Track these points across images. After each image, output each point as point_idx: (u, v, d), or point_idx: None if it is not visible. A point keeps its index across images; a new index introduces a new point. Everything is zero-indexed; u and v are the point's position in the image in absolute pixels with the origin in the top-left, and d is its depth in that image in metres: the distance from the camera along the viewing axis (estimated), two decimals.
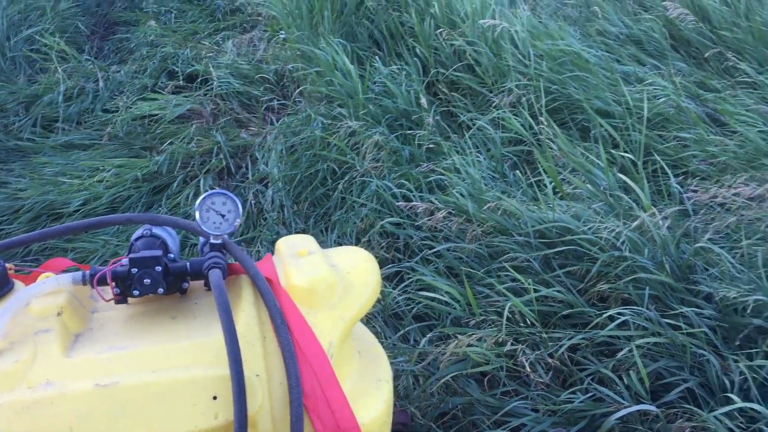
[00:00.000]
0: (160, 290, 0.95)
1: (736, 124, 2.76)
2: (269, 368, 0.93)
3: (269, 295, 0.97)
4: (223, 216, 1.01)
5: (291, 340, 0.92)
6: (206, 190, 2.82)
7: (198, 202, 0.99)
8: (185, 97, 3.58)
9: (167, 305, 1.02)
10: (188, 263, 0.99)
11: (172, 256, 1.01)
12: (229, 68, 3.75)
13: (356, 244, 2.32)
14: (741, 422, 1.53)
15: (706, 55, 3.34)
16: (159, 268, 0.95)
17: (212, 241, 1.01)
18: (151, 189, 2.91)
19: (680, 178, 2.40)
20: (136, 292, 0.94)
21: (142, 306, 1.02)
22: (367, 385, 1.05)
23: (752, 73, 3.20)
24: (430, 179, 2.39)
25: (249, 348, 0.92)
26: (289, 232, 2.62)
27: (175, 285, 1.00)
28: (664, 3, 3.42)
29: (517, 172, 2.38)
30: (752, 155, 2.62)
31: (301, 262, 1.07)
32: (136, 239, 1.03)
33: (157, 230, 1.06)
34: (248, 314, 0.97)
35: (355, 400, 0.97)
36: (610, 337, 1.75)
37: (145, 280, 0.94)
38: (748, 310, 1.71)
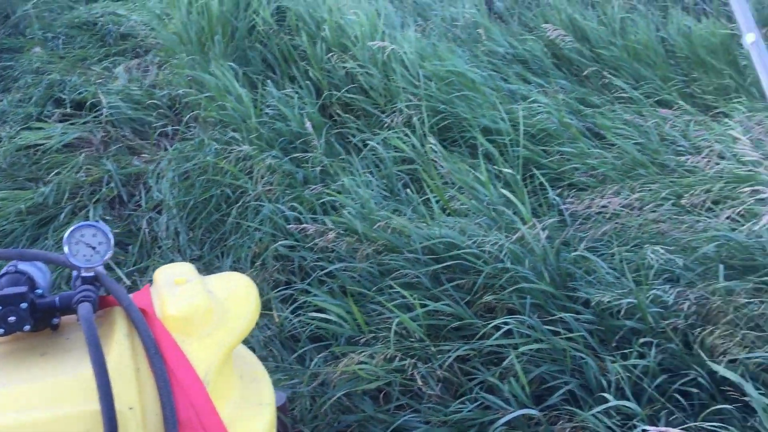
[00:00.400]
0: (27, 327, 0.92)
1: (613, 138, 2.92)
2: (144, 400, 0.91)
3: (143, 325, 0.96)
4: (93, 248, 1.00)
5: (165, 370, 0.92)
6: (96, 220, 2.74)
7: (66, 235, 0.97)
8: (73, 125, 3.48)
9: (37, 342, 1.00)
10: (57, 298, 0.97)
11: (40, 291, 0.98)
12: (120, 94, 3.67)
13: (251, 268, 2.32)
14: (617, 420, 1.61)
15: (586, 72, 3.53)
16: (24, 305, 0.92)
17: (83, 274, 0.99)
18: (37, 222, 2.80)
19: (560, 190, 2.53)
20: (0, 331, 0.91)
21: (10, 345, 0.98)
22: (248, 410, 1.05)
23: (628, 89, 3.41)
24: (323, 200, 2.42)
25: (122, 380, 0.91)
26: (184, 259, 2.59)
27: (44, 321, 0.98)
28: (544, 25, 3.59)
29: (409, 190, 2.44)
30: (629, 166, 2.79)
31: (177, 290, 1.07)
32: (0, 276, 1.01)
33: (23, 266, 1.03)
34: (121, 346, 0.95)
35: (234, 425, 0.97)
36: (498, 346, 1.81)
37: (9, 318, 0.91)
38: (622, 313, 1.82)
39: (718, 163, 2.58)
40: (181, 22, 3.56)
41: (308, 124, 2.60)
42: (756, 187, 2.02)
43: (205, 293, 1.05)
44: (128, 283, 2.49)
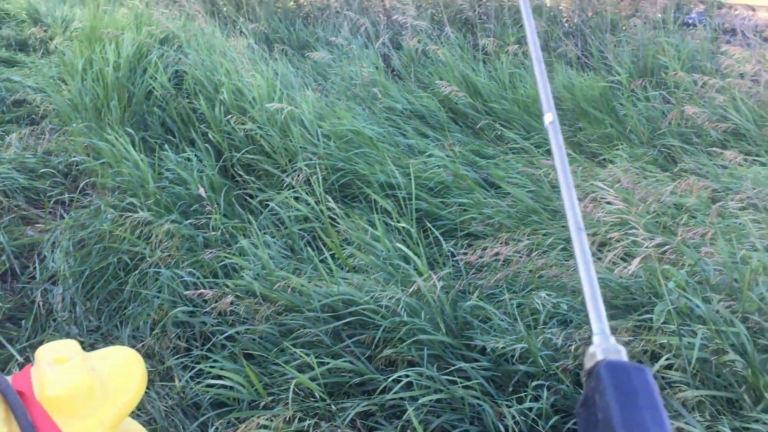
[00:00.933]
0: None
1: (507, 187, 3.05)
2: None
3: (20, 410, 0.94)
4: None
5: None
6: None
7: None
8: None
9: None
10: None
11: None
12: (12, 163, 3.55)
13: (150, 336, 2.27)
14: None
15: (480, 125, 3.69)
16: None
17: None
18: None
19: (457, 240, 2.61)
20: None
21: None
22: None
23: (519, 140, 3.58)
24: (223, 263, 2.41)
25: None
26: (81, 332, 2.51)
27: None
28: (438, 82, 3.74)
29: (309, 248, 2.47)
30: (523, 213, 2.92)
31: (58, 370, 1.05)
32: None
33: None
34: None
35: None
36: (399, 399, 1.84)
37: None
38: (516, 358, 1.88)
39: (602, 208, 2.74)
40: (77, 89, 3.51)
41: (201, 190, 2.60)
42: (631, 230, 2.16)
43: (87, 371, 1.04)
44: (21, 359, 2.38)
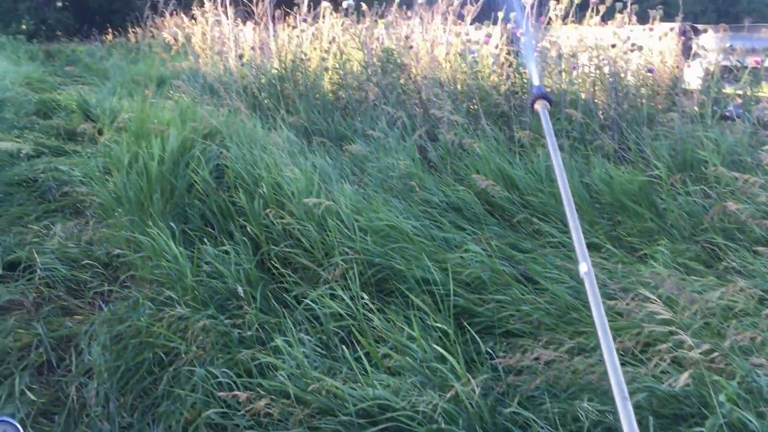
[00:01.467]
0: None
1: (546, 282, 3.00)
2: None
3: None
4: None
5: None
6: (20, 390, 2.64)
7: None
8: (5, 286, 3.40)
9: None
10: None
11: None
12: (55, 253, 3.63)
13: None
14: None
15: (517, 219, 3.68)
16: None
17: None
18: None
19: (495, 339, 2.55)
20: None
21: None
22: None
23: (557, 234, 3.55)
24: (258, 361, 2.39)
25: None
26: (113, 428, 2.48)
27: None
28: (474, 176, 3.76)
29: (344, 347, 2.43)
30: (562, 310, 2.85)
31: None
32: None
33: None
34: None
35: None
36: None
37: None
38: None
39: (645, 306, 2.67)
40: (121, 182, 3.61)
41: (240, 290, 2.61)
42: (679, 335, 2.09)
43: None
44: None
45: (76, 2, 24.26)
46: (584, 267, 0.70)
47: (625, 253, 3.37)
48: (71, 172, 5.20)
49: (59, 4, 23.37)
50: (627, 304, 2.48)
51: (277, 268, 3.16)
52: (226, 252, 3.11)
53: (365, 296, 2.53)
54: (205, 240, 3.23)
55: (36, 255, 3.52)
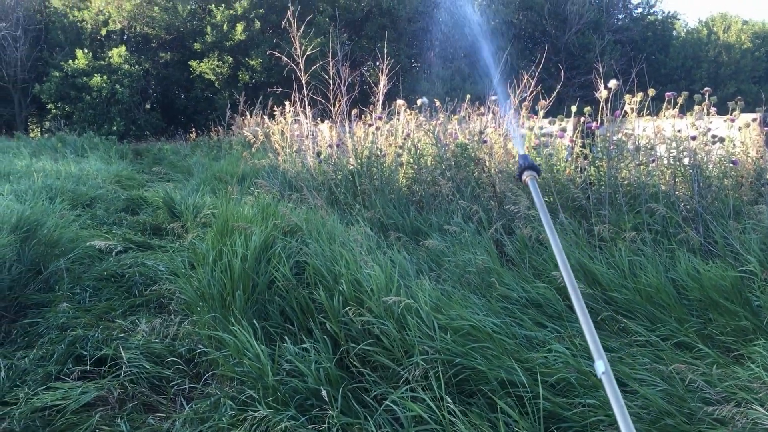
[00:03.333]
0: None
1: (635, 384, 2.87)
2: None
3: None
4: None
5: None
6: None
7: None
8: (93, 381, 3.48)
9: None
10: None
11: None
12: (140, 348, 3.71)
13: None
14: None
15: (600, 317, 3.56)
16: None
17: None
18: None
19: None
20: None
21: None
22: None
23: (643, 332, 3.41)
24: None
25: None
26: None
27: None
28: (553, 273, 3.69)
29: None
30: (656, 415, 2.71)
31: None
32: None
33: None
34: None
35: None
36: None
37: None
38: None
39: (746, 415, 2.51)
40: (206, 279, 3.71)
41: (324, 393, 2.59)
42: None
43: None
44: None
45: (163, 104, 25.93)
46: (601, 366, 0.67)
47: (719, 354, 3.20)
48: (156, 267, 5.39)
49: (148, 106, 24.97)
50: (728, 412, 2.33)
51: (356, 366, 3.13)
52: (306, 350, 3.12)
53: (448, 398, 2.47)
54: (285, 337, 3.25)
55: (122, 350, 3.61)
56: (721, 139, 4.90)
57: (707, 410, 2.63)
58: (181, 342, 3.79)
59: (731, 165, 4.83)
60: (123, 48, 22.88)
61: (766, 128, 5.08)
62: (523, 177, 1.84)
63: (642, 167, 5.15)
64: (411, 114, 7.23)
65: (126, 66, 22.54)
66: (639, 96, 5.20)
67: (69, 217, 6.81)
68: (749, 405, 2.58)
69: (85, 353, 3.70)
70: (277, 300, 3.65)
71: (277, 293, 3.70)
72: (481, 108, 7.80)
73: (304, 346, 3.16)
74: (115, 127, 22.05)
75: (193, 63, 23.77)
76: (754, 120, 5.15)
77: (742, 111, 5.35)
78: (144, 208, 8.69)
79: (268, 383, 2.84)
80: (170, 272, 5.09)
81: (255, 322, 3.35)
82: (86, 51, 22.41)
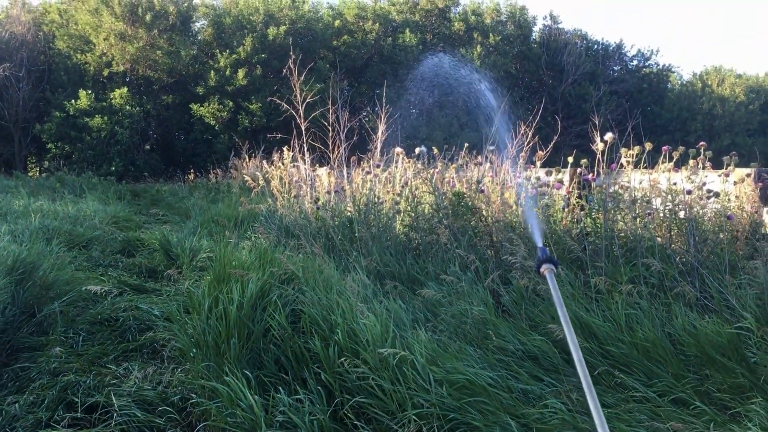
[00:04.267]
0: None
1: None
2: None
3: None
4: None
5: None
6: None
7: None
8: (83, 429, 3.43)
9: None
10: None
11: None
12: (132, 396, 3.67)
13: None
14: None
15: (597, 372, 3.54)
16: None
17: None
18: None
19: None
20: None
21: None
22: None
23: (640, 387, 3.39)
24: None
25: None
26: None
27: None
28: (549, 326, 3.68)
29: None
30: None
31: None
32: None
33: None
34: None
35: None
36: None
37: None
38: None
39: None
40: (201, 327, 3.69)
41: None
42: None
43: None
44: None
45: (163, 145, 26.11)
46: None
47: (716, 411, 3.17)
48: (151, 311, 5.36)
49: (147, 147, 25.13)
50: None
51: (351, 419, 3.10)
52: (300, 401, 3.09)
53: None
54: (280, 387, 3.22)
55: (113, 397, 3.57)
56: (717, 194, 4.94)
57: None
58: (174, 390, 3.75)
59: (726, 219, 4.87)
60: (125, 90, 23.13)
61: (760, 183, 5.13)
62: (542, 269, 1.88)
63: (638, 220, 5.18)
64: (409, 162, 7.29)
65: (127, 107, 22.76)
66: (636, 149, 5.26)
67: (65, 259, 6.79)
68: None
69: (77, 400, 3.66)
70: (273, 348, 3.63)
71: (272, 342, 3.68)
72: (479, 157, 7.87)
73: (299, 396, 3.13)
74: (113, 168, 22.15)
75: (194, 106, 24.01)
76: (749, 175, 5.21)
77: (737, 165, 5.41)
78: (140, 250, 8.68)
79: None
80: (165, 317, 5.06)
81: (249, 372, 3.32)
82: (89, 92, 22.65)
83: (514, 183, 6.62)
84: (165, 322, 4.92)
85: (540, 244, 1.98)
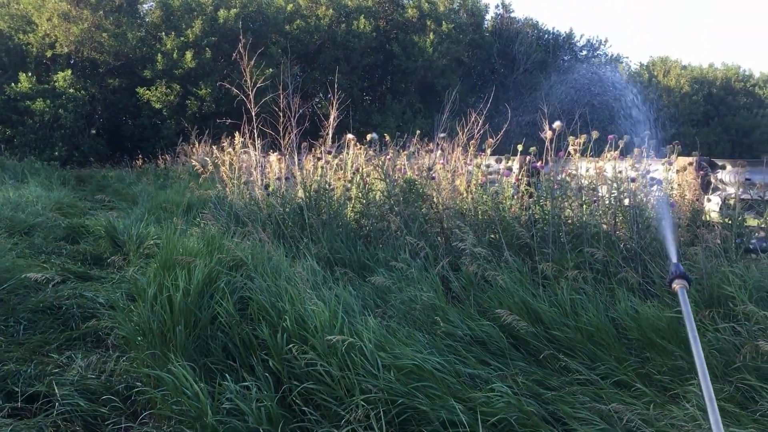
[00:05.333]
0: None
1: (575, 424, 2.90)
2: None
3: None
4: None
5: None
6: None
7: None
8: (23, 420, 3.34)
9: None
10: None
11: None
12: (75, 385, 3.59)
13: None
14: None
15: (542, 356, 3.60)
16: None
17: None
18: None
19: None
20: None
21: None
22: None
23: (584, 370, 3.46)
24: None
25: None
26: None
27: None
28: (497, 311, 3.73)
29: None
30: None
31: None
32: None
33: None
34: None
35: None
36: None
37: None
38: None
39: None
40: (146, 315, 3.62)
41: None
42: None
43: None
44: None
45: (109, 130, 25.44)
46: None
47: (656, 393, 3.27)
48: (96, 299, 5.24)
49: (93, 131, 24.46)
50: None
51: (299, 405, 3.09)
52: (248, 388, 3.06)
53: None
54: (227, 375, 3.19)
55: (56, 387, 3.48)
56: (660, 182, 5.07)
57: None
58: (118, 379, 3.67)
59: (669, 207, 4.99)
60: (69, 72, 22.43)
61: (701, 172, 5.28)
62: (673, 285, 1.87)
63: (584, 207, 5.28)
64: (360, 148, 7.27)
65: (71, 90, 22.07)
66: (582, 138, 5.35)
67: (5, 245, 6.58)
68: None
69: (17, 389, 3.56)
70: (220, 336, 3.58)
71: (220, 329, 3.63)
72: (431, 144, 7.90)
73: (246, 384, 3.10)
74: (57, 153, 21.51)
75: (141, 90, 23.45)
76: (690, 164, 5.35)
77: (680, 154, 5.55)
78: (85, 237, 8.46)
79: (207, 423, 2.77)
80: (109, 305, 4.95)
81: (195, 360, 3.28)
82: (30, 74, 21.89)
83: (464, 170, 6.67)
84: (109, 311, 4.81)
85: (675, 259, 1.97)
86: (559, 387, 3.34)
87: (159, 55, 23.43)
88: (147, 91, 23.42)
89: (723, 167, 5.30)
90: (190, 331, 3.57)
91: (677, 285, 1.86)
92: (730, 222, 4.57)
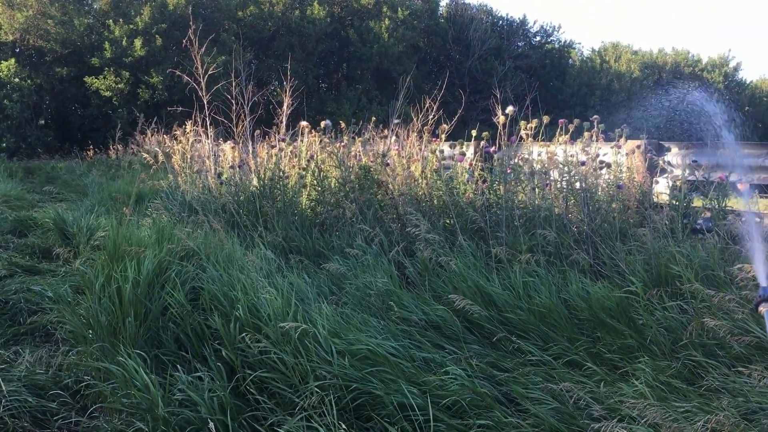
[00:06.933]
0: None
1: (528, 404, 2.94)
2: None
3: None
4: None
5: None
6: None
7: None
8: None
9: None
10: None
11: None
12: (22, 380, 3.49)
13: None
14: None
15: (496, 338, 3.64)
16: None
17: None
18: None
19: None
20: None
21: None
22: None
23: (536, 351, 3.51)
24: None
25: None
26: None
27: None
28: (451, 295, 3.75)
29: None
30: None
31: None
32: None
33: None
34: None
35: None
36: None
37: None
38: None
39: (630, 430, 2.62)
40: (94, 308, 3.55)
41: (211, 426, 2.51)
42: None
43: None
44: None
45: (57, 120, 24.77)
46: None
47: (607, 371, 3.33)
48: (44, 293, 5.11)
49: (41, 122, 23.79)
50: (613, 427, 2.43)
51: (253, 394, 3.06)
52: (200, 378, 3.02)
53: (343, 426, 2.45)
54: (179, 366, 3.14)
55: (2, 382, 3.39)
56: (608, 165, 5.15)
57: (594, 427, 2.72)
58: (67, 373, 3.59)
59: (617, 189, 5.09)
60: (13, 61, 21.74)
61: (648, 155, 5.38)
62: (760, 308, 1.88)
63: (537, 191, 5.34)
64: (315, 136, 7.22)
65: (16, 80, 21.41)
66: (534, 122, 5.40)
67: None
68: (633, 421, 2.69)
69: None
70: (172, 327, 3.53)
71: (171, 320, 3.58)
72: (386, 131, 7.89)
73: (198, 374, 3.06)
74: (4, 144, 20.87)
75: (89, 79, 22.85)
76: (638, 147, 5.45)
77: (630, 137, 5.65)
78: (33, 230, 8.23)
79: (158, 414, 2.73)
80: (57, 299, 4.83)
81: (145, 351, 3.22)
82: None
83: (420, 156, 6.68)
84: (57, 305, 4.70)
85: (764, 283, 1.99)
86: (512, 368, 3.38)
87: (107, 43, 22.86)
88: (96, 80, 22.83)
89: (668, 149, 5.41)
90: (141, 322, 3.50)
91: (764, 308, 1.92)
92: (677, 203, 4.67)
